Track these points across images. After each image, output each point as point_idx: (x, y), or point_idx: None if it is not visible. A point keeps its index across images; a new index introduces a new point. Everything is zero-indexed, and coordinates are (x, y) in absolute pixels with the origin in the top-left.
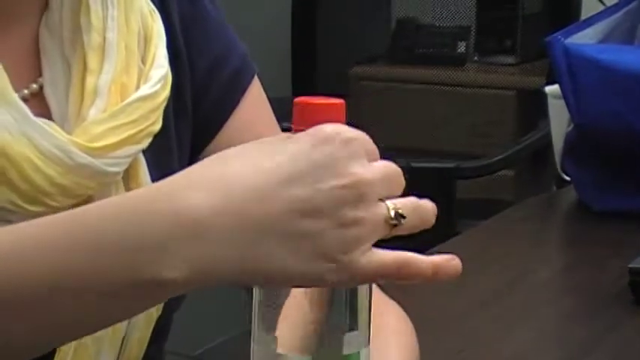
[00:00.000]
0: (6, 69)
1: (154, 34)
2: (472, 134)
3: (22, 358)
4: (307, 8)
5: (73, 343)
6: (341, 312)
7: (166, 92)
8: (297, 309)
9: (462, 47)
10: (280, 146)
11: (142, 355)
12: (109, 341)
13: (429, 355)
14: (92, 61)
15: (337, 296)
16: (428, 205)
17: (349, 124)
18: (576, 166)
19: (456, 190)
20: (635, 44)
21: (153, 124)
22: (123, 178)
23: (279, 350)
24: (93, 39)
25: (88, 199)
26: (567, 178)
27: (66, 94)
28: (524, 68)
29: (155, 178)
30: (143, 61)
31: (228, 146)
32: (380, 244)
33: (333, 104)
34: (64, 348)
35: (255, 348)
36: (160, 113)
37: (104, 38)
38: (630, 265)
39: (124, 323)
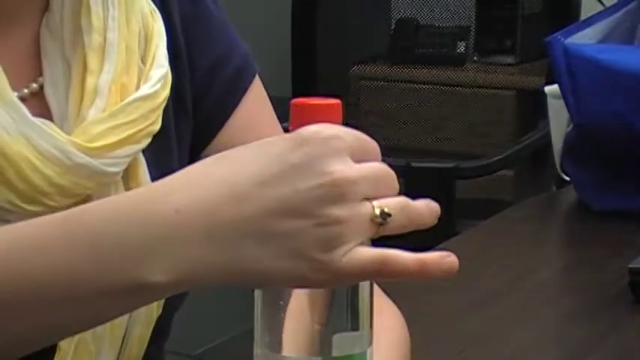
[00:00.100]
0: (6, 70)
1: (154, 34)
2: (471, 134)
3: (20, 355)
4: (307, 8)
5: (73, 343)
6: (343, 312)
7: (166, 92)
8: (300, 311)
9: (461, 47)
10: (264, 148)
11: (142, 354)
12: (109, 340)
13: (429, 355)
14: (92, 62)
15: (338, 297)
16: (419, 205)
17: (348, 124)
18: (576, 166)
19: (456, 190)
20: (634, 44)
21: (152, 123)
22: (122, 177)
23: (285, 353)
24: (93, 39)
25: (86, 199)
26: (567, 178)
27: (66, 94)
28: (524, 68)
29: (155, 177)
30: (143, 61)
31: (230, 145)
32: (380, 244)
33: (329, 105)
34: (64, 347)
35: (258, 352)
36: (159, 113)
37: (105, 39)
38: (630, 265)
39: (124, 322)
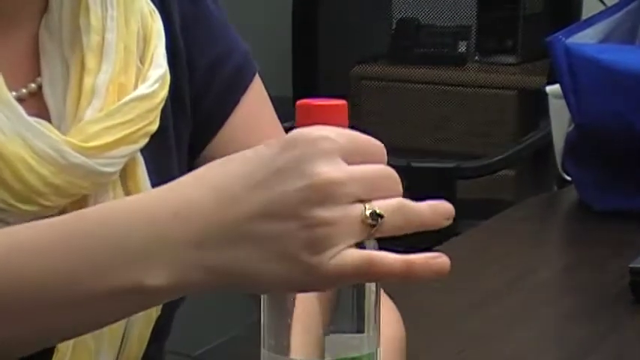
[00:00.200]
0: (4, 70)
1: (153, 35)
2: (473, 134)
3: (20, 356)
4: (308, 7)
5: (72, 342)
6: (349, 314)
7: (164, 92)
8: (306, 313)
9: (462, 47)
10: (255, 152)
11: (141, 353)
12: (108, 340)
13: (429, 355)
14: (90, 62)
15: (344, 299)
16: (419, 207)
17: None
18: (577, 166)
19: (457, 190)
20: (635, 44)
21: (150, 123)
22: (120, 177)
23: (292, 355)
24: (92, 39)
25: (82, 199)
26: (568, 178)
27: (64, 94)
28: (525, 68)
29: (153, 177)
30: (142, 61)
31: (230, 144)
32: (380, 245)
33: (335, 105)
34: (62, 348)
35: (265, 354)
36: (157, 113)
37: (103, 38)
38: (631, 265)
39: (123, 321)
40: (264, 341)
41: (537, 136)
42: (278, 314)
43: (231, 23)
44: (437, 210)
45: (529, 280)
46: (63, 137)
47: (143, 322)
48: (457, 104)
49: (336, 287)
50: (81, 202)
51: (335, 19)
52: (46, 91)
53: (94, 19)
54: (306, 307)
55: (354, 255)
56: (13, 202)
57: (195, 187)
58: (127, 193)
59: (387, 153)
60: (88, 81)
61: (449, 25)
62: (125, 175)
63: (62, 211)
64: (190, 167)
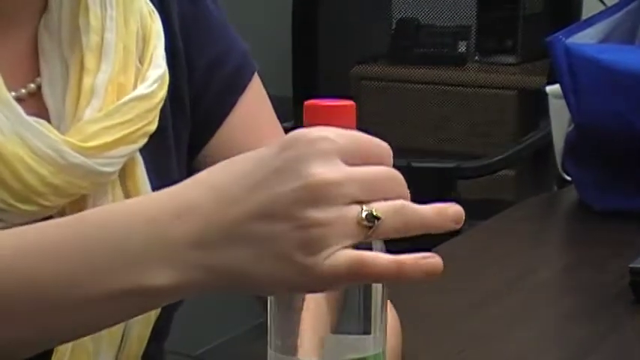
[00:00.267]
0: (3, 70)
1: (152, 35)
2: (473, 134)
3: (21, 358)
4: (308, 7)
5: (70, 343)
6: (356, 315)
7: (163, 92)
8: (313, 314)
9: (462, 47)
10: (255, 153)
11: (141, 353)
12: (107, 340)
13: (429, 355)
14: (90, 62)
15: (351, 300)
16: (422, 209)
17: None
18: (577, 165)
19: (457, 190)
20: (635, 44)
21: (149, 123)
22: (120, 176)
23: (300, 356)
24: (91, 39)
25: (81, 199)
26: (568, 178)
27: (63, 94)
28: (525, 68)
29: (152, 177)
30: (141, 61)
31: (229, 143)
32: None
33: (342, 106)
34: (60, 349)
35: (272, 355)
36: (156, 113)
37: (102, 39)
38: (631, 265)
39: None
40: (270, 342)
41: (537, 136)
42: (285, 315)
43: (231, 23)
44: (444, 213)
45: (529, 280)
46: (62, 137)
47: (142, 322)
48: (457, 104)
49: (332, 288)
50: (80, 202)
51: (335, 19)
52: (46, 91)
53: (94, 19)
54: (314, 308)
55: (346, 256)
56: (12, 201)
57: (194, 187)
58: (126, 192)
59: None
60: (87, 81)
61: (449, 25)
62: (124, 174)
63: (61, 211)
64: (189, 167)
